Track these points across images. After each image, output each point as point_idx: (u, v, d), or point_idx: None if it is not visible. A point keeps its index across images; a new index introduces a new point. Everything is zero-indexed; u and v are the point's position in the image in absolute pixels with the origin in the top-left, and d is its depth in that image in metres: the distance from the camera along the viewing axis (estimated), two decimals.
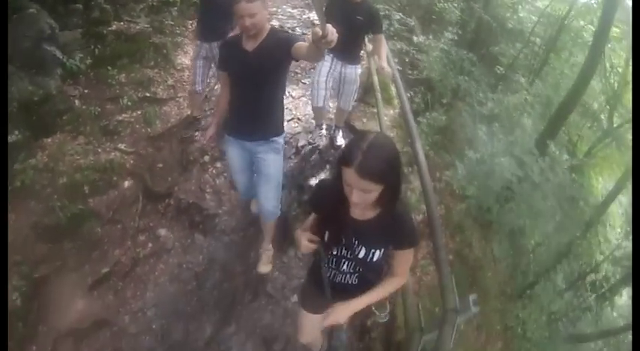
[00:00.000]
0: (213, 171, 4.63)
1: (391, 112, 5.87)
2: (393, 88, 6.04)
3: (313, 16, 7.79)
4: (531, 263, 7.14)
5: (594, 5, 9.41)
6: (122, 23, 5.62)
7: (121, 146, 4.66)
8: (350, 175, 1.62)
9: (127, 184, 4.40)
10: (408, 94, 5.19)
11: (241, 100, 3.04)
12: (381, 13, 5.08)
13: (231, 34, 4.45)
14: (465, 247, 5.05)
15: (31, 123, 4.37)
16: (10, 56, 4.29)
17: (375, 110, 5.29)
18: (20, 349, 3.34)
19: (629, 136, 9.46)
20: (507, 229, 5.90)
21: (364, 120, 5.63)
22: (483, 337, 4.76)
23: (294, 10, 8.24)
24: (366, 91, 5.69)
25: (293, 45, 2.67)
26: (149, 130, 4.93)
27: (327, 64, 4.34)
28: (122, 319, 3.62)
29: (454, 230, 4.98)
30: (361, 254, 1.94)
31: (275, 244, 3.78)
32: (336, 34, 1.78)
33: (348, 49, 4.17)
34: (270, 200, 3.33)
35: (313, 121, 5.01)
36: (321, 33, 1.73)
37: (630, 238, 8.69)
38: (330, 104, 4.88)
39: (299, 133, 5.25)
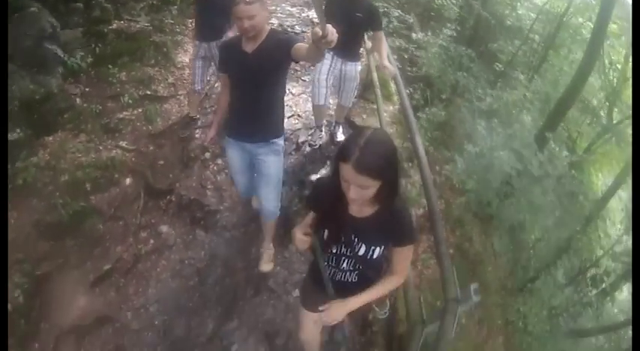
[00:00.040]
0: (214, 168, 4.62)
1: (390, 108, 5.87)
2: (392, 85, 6.05)
3: (312, 14, 7.78)
4: (532, 258, 7.13)
5: (592, 2, 9.39)
6: (122, 22, 5.62)
7: (122, 144, 4.67)
8: (347, 170, 1.61)
9: (128, 181, 4.41)
10: (408, 91, 5.18)
11: (241, 102, 3.03)
12: (380, 10, 5.08)
13: (228, 33, 4.47)
14: (465, 241, 5.04)
15: (32, 121, 4.37)
16: (12, 55, 4.30)
17: (375, 106, 5.30)
18: (22, 347, 3.34)
19: (629, 132, 9.45)
20: (507, 223, 5.89)
21: (364, 116, 5.63)
22: (485, 331, 4.75)
23: (293, 9, 8.22)
24: (366, 88, 5.68)
25: (293, 46, 2.65)
26: (150, 127, 4.94)
27: (327, 63, 4.34)
28: (124, 316, 3.61)
29: (454, 224, 4.97)
30: (361, 251, 1.93)
31: (276, 239, 3.78)
32: (336, 34, 1.76)
33: (347, 47, 4.16)
34: (270, 201, 3.33)
35: (313, 118, 5.00)
36: (321, 33, 1.72)
37: (630, 233, 8.70)
38: (330, 101, 4.88)
39: (299, 129, 5.25)
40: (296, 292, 3.61)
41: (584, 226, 8.17)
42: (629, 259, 7.72)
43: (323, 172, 4.66)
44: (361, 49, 4.71)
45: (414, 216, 4.58)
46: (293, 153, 4.90)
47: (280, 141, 3.21)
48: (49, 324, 3.49)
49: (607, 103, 10.53)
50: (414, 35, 7.45)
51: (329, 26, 1.71)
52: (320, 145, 4.92)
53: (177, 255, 4.04)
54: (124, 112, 4.95)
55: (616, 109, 10.49)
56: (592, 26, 7.29)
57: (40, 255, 3.75)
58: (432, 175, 3.78)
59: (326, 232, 1.99)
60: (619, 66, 10.54)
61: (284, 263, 3.84)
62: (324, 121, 5.02)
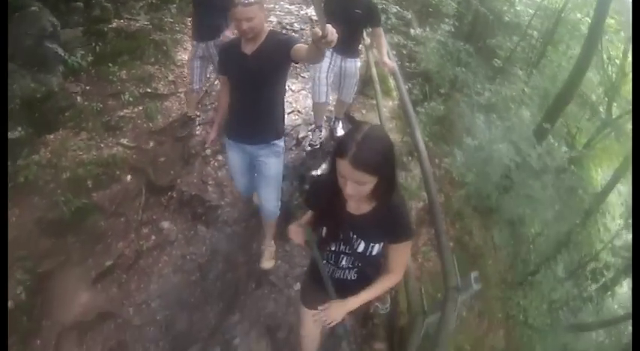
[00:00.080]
0: (215, 164, 4.62)
1: (390, 103, 5.88)
2: (391, 81, 6.06)
3: (311, 11, 7.78)
4: (531, 252, 7.12)
5: None
6: (122, 21, 5.63)
7: (123, 141, 4.68)
8: (344, 166, 1.60)
9: (129, 178, 4.42)
10: (406, 86, 5.18)
11: (241, 104, 3.00)
12: (379, 7, 5.07)
13: (226, 32, 4.47)
14: (465, 234, 5.04)
15: (33, 120, 4.38)
16: (13, 54, 4.31)
17: (374, 102, 5.31)
18: (24, 344, 3.34)
19: (629, 126, 9.44)
20: (507, 217, 5.88)
21: (363, 111, 5.64)
22: (485, 324, 4.75)
23: (292, 6, 8.22)
24: (365, 84, 5.68)
25: (292, 47, 2.63)
26: (151, 125, 4.95)
27: (326, 60, 4.33)
28: (126, 311, 3.61)
29: (454, 217, 4.97)
30: (360, 248, 1.92)
31: (277, 232, 3.77)
32: (336, 35, 1.75)
33: (347, 44, 4.15)
34: (271, 201, 3.33)
35: (313, 115, 5.00)
36: (320, 33, 1.71)
37: (630, 227, 8.70)
38: (330, 97, 4.88)
39: (299, 125, 5.26)
40: (297, 286, 3.61)
41: (584, 220, 8.16)
42: (628, 254, 7.72)
43: (324, 167, 4.66)
44: (360, 45, 4.71)
45: (414, 209, 4.60)
46: (293, 148, 4.91)
47: (281, 142, 3.20)
48: (51, 321, 3.49)
49: (606, 99, 10.52)
50: (412, 31, 7.43)
51: (329, 26, 1.70)
52: (320, 144, 4.92)
53: (179, 250, 4.04)
54: (125, 110, 4.96)
55: (615, 104, 10.49)
56: (590, 21, 7.28)
57: (42, 252, 3.75)
58: (432, 168, 3.77)
59: (324, 229, 1.98)
60: (617, 61, 10.53)
61: (285, 257, 3.84)
62: (324, 119, 5.02)
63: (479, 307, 4.75)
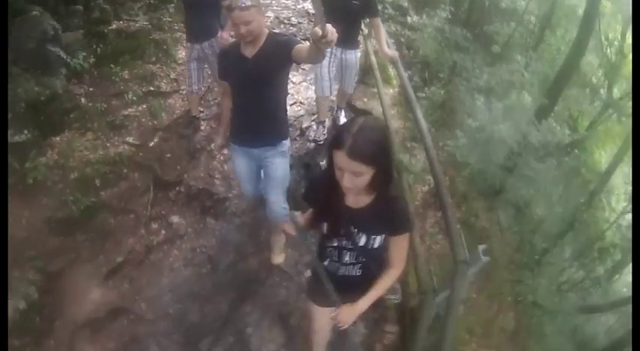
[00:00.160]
0: (221, 157, 4.62)
1: (390, 91, 5.86)
2: (391, 69, 6.05)
3: (308, 5, 7.75)
4: (538, 233, 7.07)
5: None
6: (122, 22, 5.63)
7: (129, 139, 4.69)
8: (341, 157, 1.60)
9: (137, 175, 4.42)
10: (406, 73, 5.14)
11: (244, 107, 2.96)
12: None
13: (223, 34, 4.45)
14: (471, 216, 5.02)
15: (39, 122, 4.39)
16: (16, 58, 4.33)
17: (375, 90, 5.29)
18: (38, 344, 3.33)
19: (629, 107, 9.39)
20: (512, 199, 5.86)
21: (365, 100, 5.64)
22: (495, 306, 4.73)
23: (289, 1, 8.15)
24: (366, 73, 5.67)
25: (293, 48, 2.60)
26: (155, 122, 4.95)
27: (327, 54, 4.32)
28: (139, 307, 3.60)
29: (459, 199, 4.93)
30: (362, 242, 1.91)
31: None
32: (336, 34, 1.73)
33: (346, 35, 4.12)
34: (278, 203, 3.26)
35: (315, 104, 4.99)
36: (320, 33, 1.68)
37: (630, 208, 8.66)
38: (334, 90, 4.87)
39: (302, 115, 5.28)
40: (308, 273, 3.61)
41: (589, 200, 8.13)
42: (629, 229, 7.68)
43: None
44: (359, 36, 4.69)
45: (420, 192, 4.59)
46: (297, 139, 4.93)
47: (286, 142, 3.16)
48: (63, 320, 3.48)
49: (606, 81, 10.45)
50: (409, 18, 7.41)
51: (329, 26, 1.68)
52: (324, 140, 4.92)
53: (189, 244, 4.04)
54: (129, 109, 4.96)
55: (616, 86, 10.42)
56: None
57: (52, 251, 3.75)
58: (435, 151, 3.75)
59: (325, 225, 1.97)
60: (616, 43, 10.45)
61: (294, 245, 3.82)
62: (328, 115, 5.02)
63: (488, 289, 4.73)
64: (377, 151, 1.61)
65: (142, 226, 4.10)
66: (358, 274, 2.06)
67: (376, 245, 1.92)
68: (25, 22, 4.51)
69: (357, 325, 2.33)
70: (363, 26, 5.07)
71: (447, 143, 5.47)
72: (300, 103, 5.51)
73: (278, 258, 3.73)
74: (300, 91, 5.73)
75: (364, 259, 2.01)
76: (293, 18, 7.50)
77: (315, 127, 4.98)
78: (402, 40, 7.19)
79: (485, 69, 6.89)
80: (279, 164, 3.14)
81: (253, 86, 2.82)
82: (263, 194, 3.38)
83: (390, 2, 7.34)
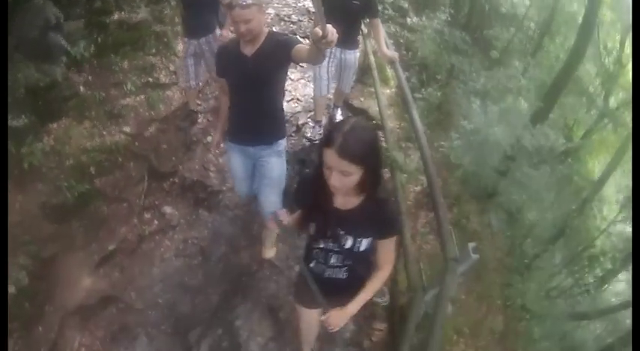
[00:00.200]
0: (216, 150, 4.62)
1: (387, 91, 5.89)
2: (389, 70, 6.08)
3: (308, 3, 7.75)
4: (529, 237, 7.11)
5: None
6: (123, 13, 5.60)
7: (126, 129, 4.67)
8: (330, 156, 1.60)
9: (132, 164, 4.41)
10: (404, 75, 5.16)
11: (242, 106, 2.95)
12: None
13: (222, 31, 4.47)
14: (463, 218, 5.04)
15: (37, 108, 4.35)
16: (18, 45, 4.31)
17: (372, 89, 5.32)
18: (26, 330, 3.32)
19: (625, 117, 9.46)
20: (504, 202, 5.89)
21: (362, 99, 5.67)
22: (484, 308, 4.75)
23: None
24: (363, 72, 5.68)
25: (293, 48, 2.58)
26: (153, 113, 4.94)
27: (326, 54, 4.33)
28: (129, 296, 3.62)
29: (452, 202, 4.94)
30: (348, 244, 1.91)
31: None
32: (337, 35, 1.73)
33: (345, 35, 4.10)
34: (272, 203, 3.23)
35: (311, 101, 5.01)
36: (321, 33, 1.68)
37: (625, 219, 8.73)
38: (331, 89, 4.89)
39: (299, 112, 5.30)
40: (297, 267, 3.62)
41: (581, 207, 8.17)
42: (623, 244, 7.76)
43: None
44: (359, 36, 4.70)
45: (412, 192, 4.61)
46: (293, 135, 4.95)
47: (283, 142, 3.15)
48: (53, 306, 3.47)
49: (603, 91, 10.52)
50: (408, 20, 7.43)
51: (329, 26, 1.67)
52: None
53: (181, 235, 4.05)
54: (127, 99, 4.94)
55: (612, 96, 10.48)
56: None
57: (45, 237, 3.74)
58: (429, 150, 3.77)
59: (312, 226, 1.97)
60: (614, 53, 10.52)
61: (285, 239, 3.83)
62: (325, 114, 5.03)
63: (478, 290, 4.75)
64: (366, 151, 1.62)
65: (135, 215, 4.11)
66: (344, 277, 2.05)
67: (362, 248, 1.91)
68: (29, 10, 4.48)
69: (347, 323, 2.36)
70: (362, 26, 5.09)
71: (442, 144, 5.49)
72: (297, 99, 5.53)
73: (269, 252, 3.74)
74: (298, 88, 5.75)
75: (350, 263, 2.00)
76: (293, 15, 7.50)
77: (311, 124, 5.00)
78: (401, 41, 7.21)
79: (482, 72, 6.91)
80: (275, 164, 3.13)
81: (251, 85, 2.80)
82: (256, 193, 3.37)
83: (390, 3, 7.36)
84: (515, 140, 5.27)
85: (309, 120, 5.07)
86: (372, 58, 5.45)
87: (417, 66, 6.85)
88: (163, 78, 5.42)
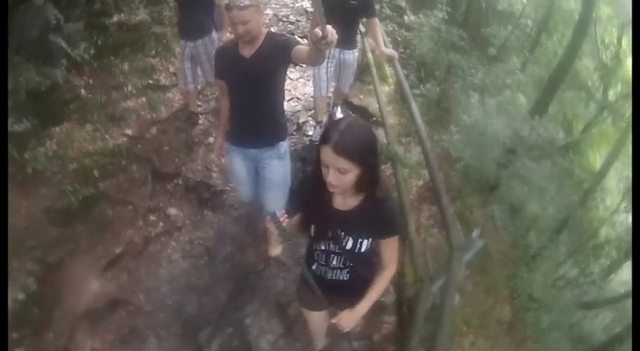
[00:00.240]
0: (219, 154, 4.63)
1: (386, 88, 5.91)
2: (387, 68, 6.11)
3: (306, 3, 7.78)
4: (533, 229, 7.11)
5: None
6: (123, 15, 5.62)
7: (128, 132, 4.68)
8: (327, 153, 1.60)
9: (135, 167, 4.41)
10: (403, 72, 5.18)
11: (242, 108, 2.92)
12: None
13: (222, 34, 4.47)
14: (466, 211, 5.05)
15: (39, 112, 4.35)
16: (18, 47, 4.31)
17: (371, 87, 5.34)
18: (37, 336, 3.31)
19: (624, 110, 9.51)
20: (506, 196, 5.90)
21: (361, 96, 5.69)
22: (491, 299, 4.76)
23: None
24: (362, 70, 5.68)
25: (292, 49, 2.56)
26: (154, 115, 4.95)
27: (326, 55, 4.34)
28: (137, 298, 3.62)
29: (454, 195, 4.94)
30: (349, 245, 1.89)
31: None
32: (337, 35, 1.71)
33: (344, 35, 4.09)
34: (277, 204, 3.07)
35: (312, 100, 5.03)
36: (321, 34, 1.66)
37: (624, 208, 8.77)
38: (331, 89, 4.90)
39: (299, 111, 5.34)
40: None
41: (583, 198, 8.19)
42: (624, 229, 7.77)
43: None
44: (357, 35, 4.71)
45: (415, 187, 4.62)
46: (294, 133, 4.98)
47: (284, 143, 3.11)
48: (62, 311, 3.46)
49: (602, 85, 10.56)
50: (405, 18, 7.46)
51: (329, 27, 1.66)
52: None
53: (187, 236, 4.06)
54: (128, 102, 4.95)
55: (611, 90, 10.53)
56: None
57: (51, 241, 3.73)
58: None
59: (313, 228, 1.96)
60: (612, 48, 10.56)
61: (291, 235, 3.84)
62: (325, 114, 5.05)
63: (484, 282, 4.76)
64: (363, 149, 1.62)
65: (140, 217, 4.10)
66: (346, 278, 2.04)
67: (363, 249, 1.89)
68: (29, 11, 4.47)
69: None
70: (360, 26, 5.11)
71: (442, 138, 5.50)
72: (297, 98, 5.56)
73: (275, 250, 3.71)
74: (298, 87, 5.78)
75: (352, 264, 1.99)
76: (291, 16, 7.52)
77: (312, 123, 5.02)
78: (399, 39, 7.24)
79: (480, 68, 6.94)
80: (276, 166, 3.10)
81: (251, 86, 2.77)
82: (259, 197, 3.33)
83: (388, 2, 7.39)
84: (514, 132, 5.28)
85: (309, 118, 5.09)
86: (370, 56, 5.47)
87: (415, 63, 6.87)
88: (164, 80, 5.43)
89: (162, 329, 3.45)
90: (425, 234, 4.24)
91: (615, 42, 10.39)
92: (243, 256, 3.87)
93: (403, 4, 7.83)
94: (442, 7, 7.69)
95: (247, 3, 2.49)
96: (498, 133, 5.19)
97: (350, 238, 1.88)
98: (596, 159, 11.83)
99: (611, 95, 10.50)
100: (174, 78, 5.44)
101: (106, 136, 4.54)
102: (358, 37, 4.98)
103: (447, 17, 7.71)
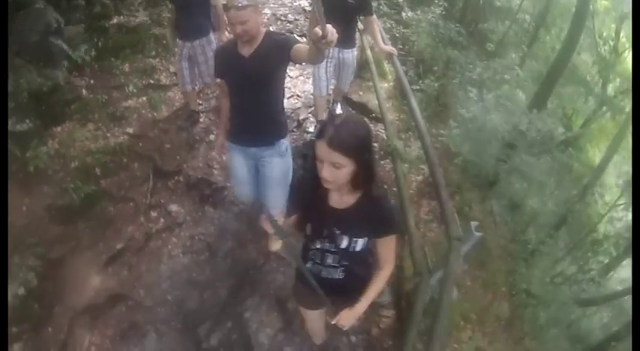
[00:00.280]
0: (220, 153, 4.63)
1: (385, 85, 5.91)
2: (386, 65, 6.11)
3: (304, 3, 7.79)
4: (532, 224, 7.10)
5: None
6: (122, 17, 5.64)
7: (129, 130, 4.69)
8: (321, 147, 1.61)
9: (136, 164, 4.42)
10: (402, 68, 5.18)
11: (242, 107, 2.91)
12: None
13: (222, 35, 4.47)
14: (465, 206, 5.04)
15: (41, 112, 4.37)
16: (19, 50, 4.32)
17: (371, 84, 5.33)
18: (36, 331, 3.32)
19: (623, 105, 9.48)
20: (506, 192, 5.89)
21: (360, 93, 5.69)
22: (490, 295, 4.75)
23: None
24: (361, 67, 5.70)
25: (291, 47, 2.54)
26: (155, 114, 4.96)
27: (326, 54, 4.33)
28: (138, 293, 3.62)
29: (453, 190, 4.93)
30: (343, 244, 1.89)
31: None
32: (337, 35, 1.71)
33: (343, 34, 4.11)
34: (278, 202, 3.17)
35: (312, 97, 5.03)
36: (321, 33, 1.66)
37: (624, 205, 8.74)
38: (330, 88, 4.90)
39: (299, 108, 5.35)
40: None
41: (582, 193, 8.17)
42: (623, 226, 7.74)
43: None
44: (356, 34, 4.71)
45: (414, 182, 4.61)
46: (295, 130, 4.99)
47: (285, 141, 3.09)
48: (62, 306, 3.46)
49: (600, 80, 10.52)
50: (403, 14, 7.46)
51: (329, 26, 1.66)
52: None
53: (188, 232, 4.05)
54: (129, 101, 4.97)
55: (610, 84, 10.49)
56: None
57: (52, 238, 3.74)
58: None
59: (309, 226, 1.96)
60: (611, 42, 10.52)
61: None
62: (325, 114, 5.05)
63: (483, 277, 4.75)
64: (357, 144, 1.62)
65: (142, 214, 4.11)
66: (341, 277, 2.03)
67: (358, 248, 1.89)
68: (29, 15, 4.49)
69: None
70: (359, 24, 5.10)
71: (441, 133, 5.50)
72: (297, 96, 5.58)
73: (276, 245, 3.71)
74: (297, 85, 5.80)
75: (347, 263, 1.98)
76: (290, 15, 7.54)
77: (312, 120, 5.02)
78: (397, 35, 7.24)
79: (478, 63, 6.92)
80: (277, 164, 3.08)
81: (250, 85, 2.76)
82: (260, 197, 3.31)
83: (385, 0, 7.39)
84: (512, 126, 5.26)
85: (309, 115, 5.09)
86: (369, 52, 5.47)
87: (413, 60, 6.87)
88: (164, 79, 5.45)
89: (162, 324, 3.45)
90: (424, 229, 4.24)
91: (613, 35, 10.35)
92: (243, 251, 3.86)
93: (401, 0, 7.81)
94: (439, 3, 7.65)
95: (245, 3, 2.48)
96: (497, 127, 5.17)
97: (345, 236, 1.87)
98: (596, 154, 11.82)
99: (610, 90, 10.45)
100: (174, 78, 5.45)
101: (108, 135, 4.55)
102: (357, 35, 4.97)
103: (444, 13, 7.69)
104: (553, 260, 6.38)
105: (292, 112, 5.17)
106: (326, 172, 1.63)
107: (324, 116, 4.85)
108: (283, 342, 3.26)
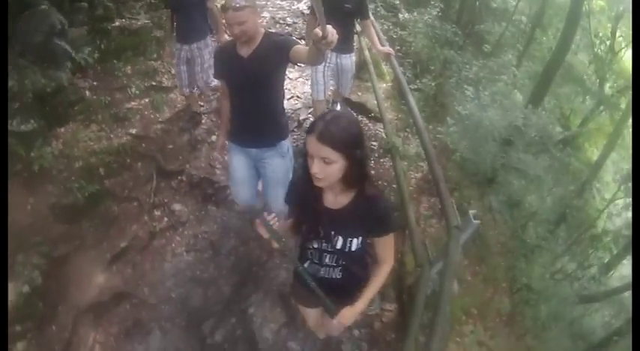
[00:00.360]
0: (222, 154, 4.64)
1: (383, 85, 5.93)
2: (383, 65, 6.14)
3: (302, 6, 7.82)
4: (531, 221, 7.10)
5: None
6: (124, 20, 5.68)
7: (132, 131, 4.70)
8: (311, 142, 1.59)
9: (140, 164, 4.44)
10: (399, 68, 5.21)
11: (243, 108, 2.90)
12: None
13: (210, 38, 4.49)
14: (464, 202, 5.04)
15: (45, 113, 4.39)
16: (23, 51, 4.35)
17: (369, 84, 5.36)
18: (40, 329, 3.32)
19: (620, 103, 9.51)
20: (504, 189, 5.90)
21: (359, 93, 5.71)
22: (490, 290, 4.76)
23: (284, 2, 8.24)
24: (360, 68, 5.71)
25: (291, 48, 2.53)
26: (157, 115, 4.98)
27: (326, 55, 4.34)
28: (142, 291, 3.63)
29: (452, 187, 4.93)
30: (339, 244, 1.86)
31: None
32: (337, 35, 1.70)
33: (341, 39, 4.13)
34: (279, 204, 3.10)
35: (311, 98, 5.05)
36: (321, 34, 1.65)
37: (623, 203, 8.75)
38: (329, 92, 4.92)
39: (299, 108, 5.39)
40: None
41: (580, 189, 8.18)
42: (624, 224, 7.75)
43: None
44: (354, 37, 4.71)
45: (414, 179, 4.62)
46: (295, 130, 5.01)
47: (286, 142, 3.08)
48: (66, 305, 3.47)
49: (597, 79, 10.56)
50: (400, 16, 7.50)
51: (329, 27, 1.65)
52: None
53: (191, 230, 4.07)
54: (132, 102, 5.00)
55: (607, 85, 10.52)
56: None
57: (57, 237, 3.75)
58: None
59: (305, 227, 1.95)
60: (607, 42, 10.56)
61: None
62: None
63: (483, 273, 4.76)
64: (347, 138, 1.59)
65: (145, 213, 4.12)
66: (338, 276, 2.01)
67: (354, 248, 1.86)
68: (34, 15, 4.51)
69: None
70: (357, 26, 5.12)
71: (439, 130, 5.51)
72: (297, 97, 5.62)
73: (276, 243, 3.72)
74: (297, 86, 5.84)
75: (344, 262, 1.97)
76: (288, 18, 7.57)
77: (312, 120, 5.04)
78: (395, 37, 7.27)
79: (474, 62, 6.95)
80: (278, 164, 3.07)
81: (249, 86, 2.74)
82: (263, 198, 3.32)
83: (382, 2, 7.43)
84: (508, 123, 5.28)
85: (309, 116, 5.11)
86: (367, 53, 5.50)
87: (411, 61, 6.90)
88: (166, 81, 5.47)
89: (167, 321, 3.45)
90: (424, 224, 4.25)
91: (609, 34, 10.39)
92: (246, 248, 3.87)
93: (397, 2, 7.85)
94: (435, 4, 7.69)
95: (243, 4, 2.48)
96: (494, 124, 5.18)
97: (340, 237, 1.85)
98: (594, 152, 11.84)
99: (607, 89, 10.48)
100: (176, 80, 5.47)
101: (111, 136, 4.57)
102: (355, 37, 4.99)
103: (440, 14, 7.73)
104: (553, 256, 6.38)
105: (292, 113, 5.21)
106: (316, 168, 1.61)
107: None
108: (287, 337, 3.27)
